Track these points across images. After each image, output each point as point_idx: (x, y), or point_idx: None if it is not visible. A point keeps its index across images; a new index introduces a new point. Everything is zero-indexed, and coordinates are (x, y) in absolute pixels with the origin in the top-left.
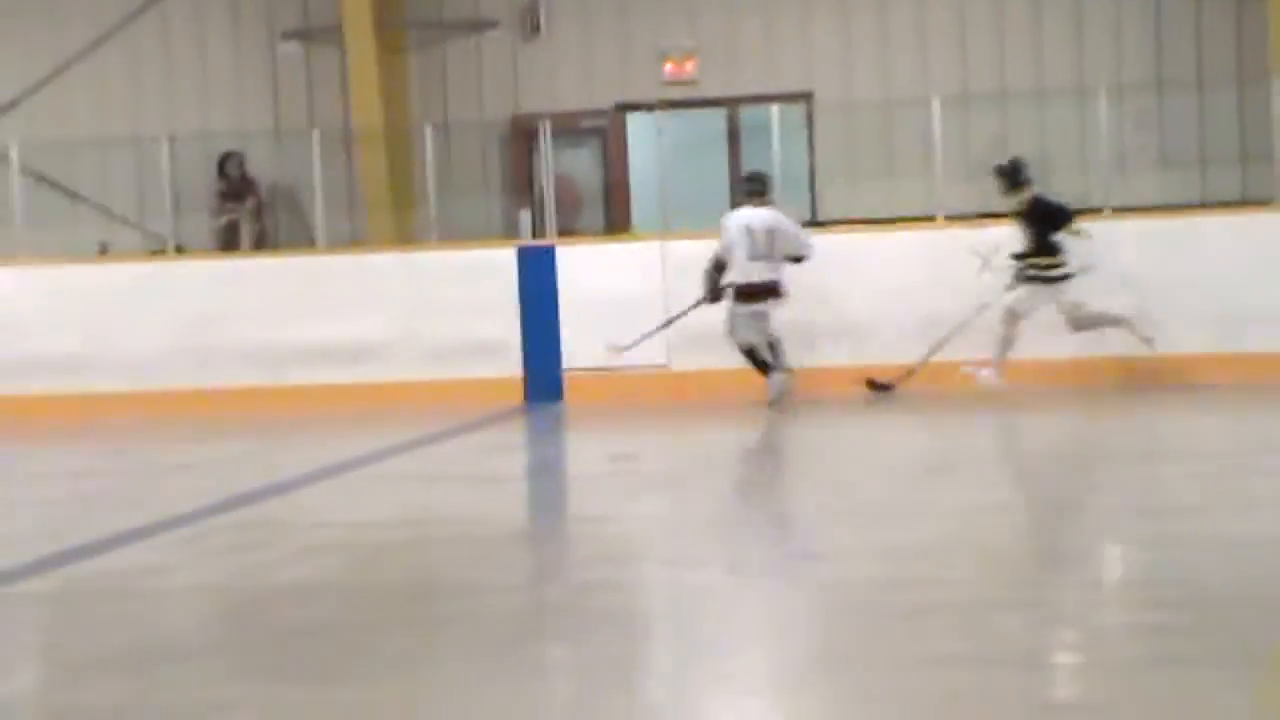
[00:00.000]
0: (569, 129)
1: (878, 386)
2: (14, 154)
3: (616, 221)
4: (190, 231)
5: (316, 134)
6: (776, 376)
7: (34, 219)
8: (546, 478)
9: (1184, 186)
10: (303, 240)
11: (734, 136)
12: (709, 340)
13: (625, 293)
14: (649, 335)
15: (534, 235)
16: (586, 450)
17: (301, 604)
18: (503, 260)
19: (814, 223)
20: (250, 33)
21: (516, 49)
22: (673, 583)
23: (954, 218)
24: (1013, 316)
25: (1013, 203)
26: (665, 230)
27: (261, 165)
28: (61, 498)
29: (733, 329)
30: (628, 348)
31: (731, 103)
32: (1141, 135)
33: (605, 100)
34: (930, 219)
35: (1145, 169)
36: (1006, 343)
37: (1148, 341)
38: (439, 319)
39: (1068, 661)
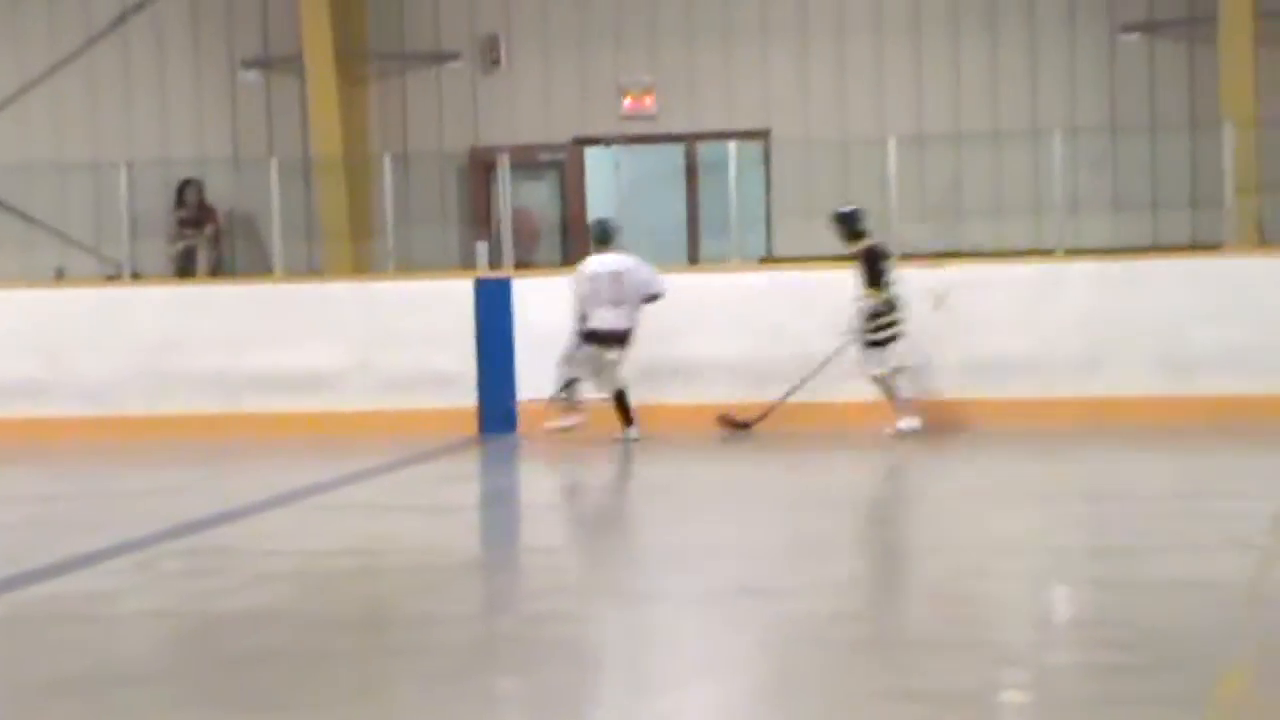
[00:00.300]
0: (528, 162)
1: (734, 424)
2: None
3: (573, 255)
4: (147, 258)
5: (275, 162)
6: (633, 430)
7: None
8: (499, 508)
9: (1135, 229)
10: (260, 268)
11: (691, 172)
12: (663, 373)
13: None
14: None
15: (491, 267)
16: (539, 481)
17: (253, 631)
18: (459, 291)
19: (769, 259)
20: (211, 60)
21: (476, 81)
22: (623, 615)
23: (909, 256)
24: (881, 377)
25: (850, 250)
26: None
27: (220, 193)
28: (15, 522)
29: (591, 372)
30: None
31: (689, 138)
32: (1094, 178)
33: (564, 134)
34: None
35: (1098, 211)
36: (897, 393)
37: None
38: (395, 349)
39: (1018, 700)
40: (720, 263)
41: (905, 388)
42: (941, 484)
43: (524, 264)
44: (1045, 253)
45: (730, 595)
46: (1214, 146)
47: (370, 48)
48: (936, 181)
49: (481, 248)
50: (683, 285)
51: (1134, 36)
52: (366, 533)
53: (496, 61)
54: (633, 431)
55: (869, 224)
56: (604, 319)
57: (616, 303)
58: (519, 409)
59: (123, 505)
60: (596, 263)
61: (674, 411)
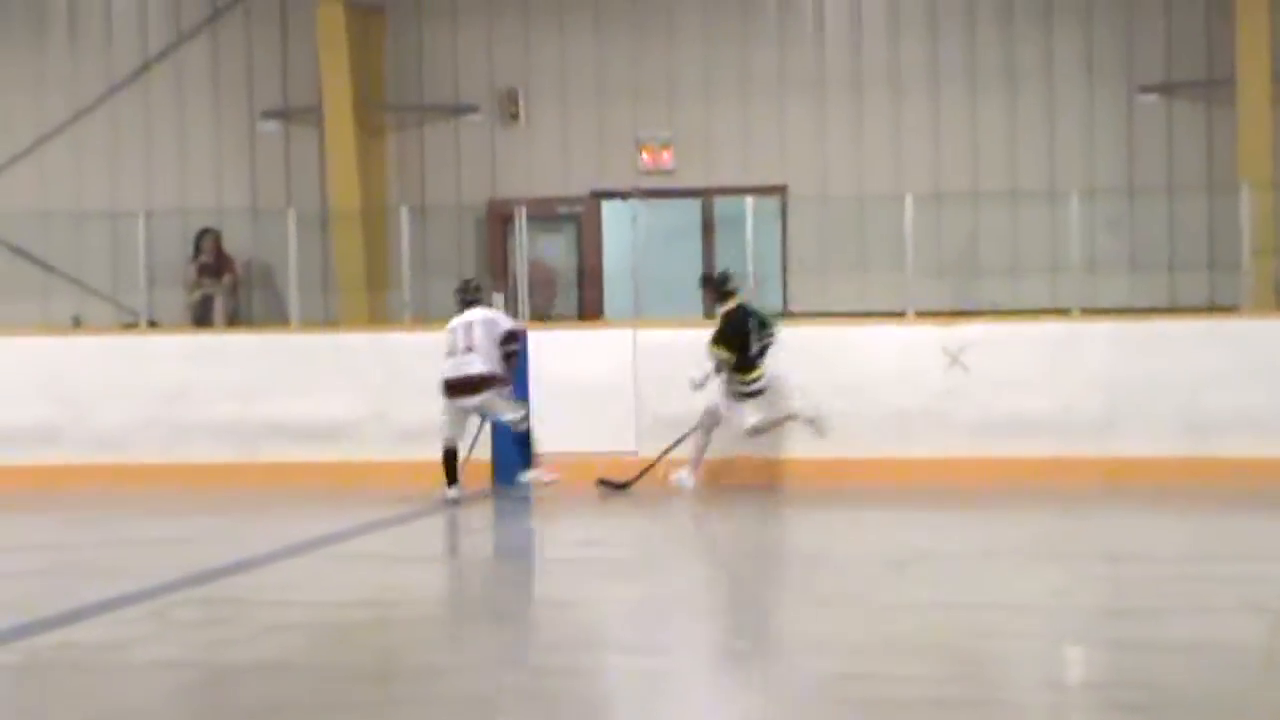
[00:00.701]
0: (545, 214)
1: (611, 485)
2: None
3: (589, 308)
4: (164, 306)
5: (292, 213)
6: (531, 473)
7: (8, 289)
8: (511, 560)
9: (1152, 290)
10: (277, 318)
11: (708, 227)
12: (678, 427)
13: (596, 378)
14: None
15: None
16: (552, 534)
17: (264, 682)
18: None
19: (785, 314)
20: (230, 110)
21: (495, 134)
22: (633, 670)
23: (924, 314)
24: (711, 421)
25: (719, 311)
26: (638, 318)
27: (238, 242)
28: (29, 569)
29: (440, 425)
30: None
31: (706, 193)
32: (1111, 238)
33: (581, 187)
34: (900, 315)
35: (1115, 272)
36: (700, 449)
37: (813, 423)
38: (410, 399)
39: None
40: None
41: (706, 447)
42: (957, 542)
43: (540, 316)
44: (1062, 312)
45: (744, 651)
46: (1231, 208)
47: (389, 99)
48: (953, 239)
49: (498, 300)
50: (699, 340)
51: (1152, 98)
52: (379, 583)
53: (515, 115)
54: (451, 491)
55: (737, 284)
56: (444, 369)
57: (457, 352)
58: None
59: (137, 553)
60: (460, 317)
61: (684, 464)
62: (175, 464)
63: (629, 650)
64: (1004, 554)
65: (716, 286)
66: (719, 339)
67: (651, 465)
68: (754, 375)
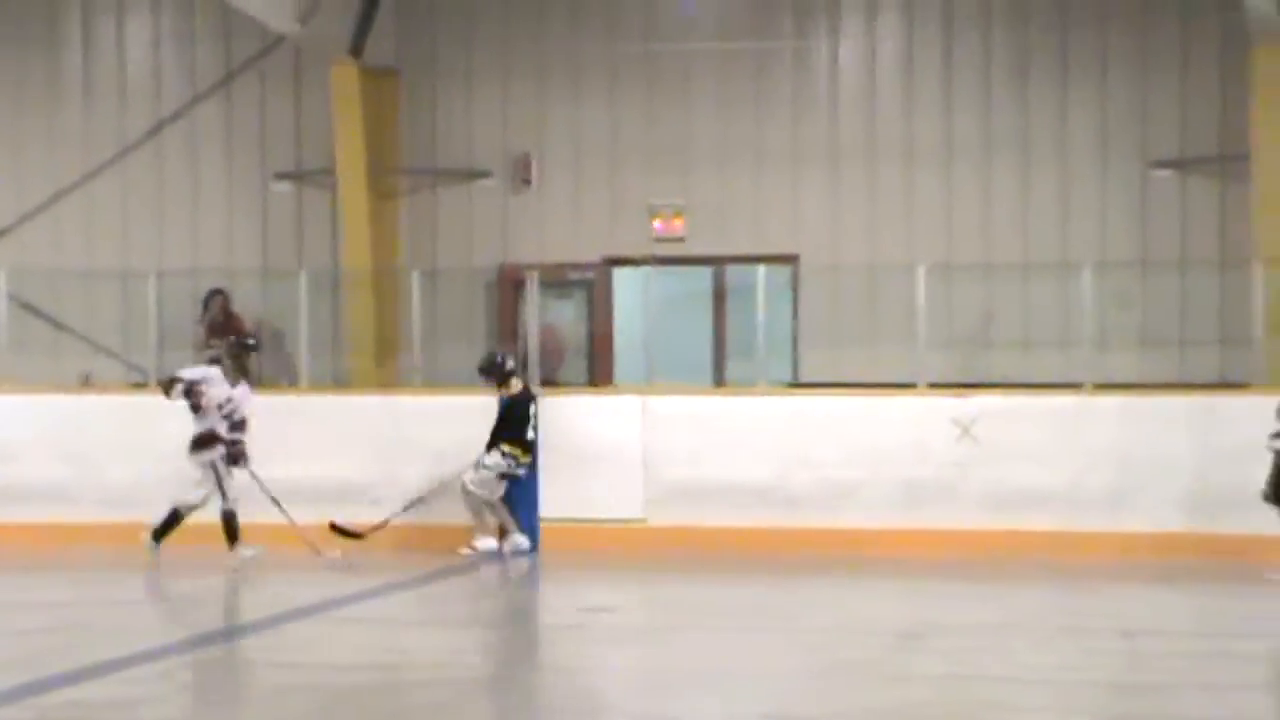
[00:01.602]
0: (557, 280)
1: (343, 532)
2: (1, 281)
3: (599, 374)
4: (173, 366)
5: (304, 275)
6: (242, 551)
7: (19, 346)
8: (518, 626)
9: (1163, 366)
10: (286, 379)
11: (720, 295)
12: (687, 494)
13: (605, 445)
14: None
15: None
16: (558, 600)
17: None
18: (485, 407)
19: (795, 384)
20: (243, 171)
21: (507, 199)
22: None
23: (936, 385)
24: (476, 499)
25: (502, 396)
26: (648, 385)
27: (248, 303)
28: (38, 627)
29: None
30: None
31: (718, 261)
32: (1123, 313)
33: (593, 253)
34: (911, 386)
35: (1126, 346)
36: (492, 516)
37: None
38: (419, 462)
39: None
40: (746, 386)
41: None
42: (967, 614)
43: (549, 381)
44: (1073, 386)
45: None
46: (1243, 285)
47: (402, 163)
48: (965, 311)
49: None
50: (708, 408)
51: (1166, 173)
52: (385, 647)
53: (528, 180)
54: (245, 551)
55: (515, 368)
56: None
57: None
58: (541, 527)
59: (145, 613)
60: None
61: (700, 533)
62: (184, 523)
63: (636, 718)
64: (1014, 627)
65: (496, 373)
66: (509, 430)
67: (385, 522)
68: (522, 458)
